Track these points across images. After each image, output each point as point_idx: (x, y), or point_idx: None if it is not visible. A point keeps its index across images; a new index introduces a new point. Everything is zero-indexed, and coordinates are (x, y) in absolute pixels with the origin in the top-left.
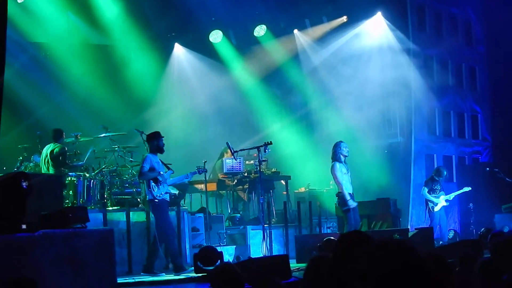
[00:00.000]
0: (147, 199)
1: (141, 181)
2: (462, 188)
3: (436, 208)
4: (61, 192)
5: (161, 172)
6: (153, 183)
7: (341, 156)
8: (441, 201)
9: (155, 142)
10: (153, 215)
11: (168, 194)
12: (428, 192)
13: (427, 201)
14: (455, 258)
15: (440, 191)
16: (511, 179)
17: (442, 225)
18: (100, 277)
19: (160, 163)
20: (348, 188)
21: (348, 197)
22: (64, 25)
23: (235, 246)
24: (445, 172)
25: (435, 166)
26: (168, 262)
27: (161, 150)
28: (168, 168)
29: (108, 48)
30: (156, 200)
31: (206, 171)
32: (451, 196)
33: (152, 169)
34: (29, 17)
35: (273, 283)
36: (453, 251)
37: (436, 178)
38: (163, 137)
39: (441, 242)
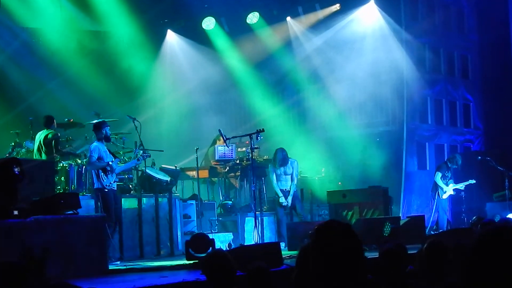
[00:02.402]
0: (94, 187)
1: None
2: (467, 180)
3: (444, 196)
4: (53, 178)
5: (110, 162)
6: (102, 173)
7: (278, 162)
8: (449, 190)
9: (102, 131)
10: (94, 203)
11: (116, 183)
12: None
13: (436, 187)
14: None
15: (449, 179)
16: (502, 168)
17: (446, 213)
18: (91, 263)
19: (108, 152)
20: (279, 185)
21: (278, 194)
22: (57, 11)
23: (226, 233)
24: (460, 161)
25: (427, 154)
26: (160, 249)
27: (108, 139)
28: (115, 157)
29: (101, 34)
30: (106, 190)
31: (149, 156)
32: (462, 185)
33: (100, 158)
34: (22, 3)
35: (262, 271)
36: (444, 240)
37: (450, 165)
38: (109, 126)
39: (440, 230)
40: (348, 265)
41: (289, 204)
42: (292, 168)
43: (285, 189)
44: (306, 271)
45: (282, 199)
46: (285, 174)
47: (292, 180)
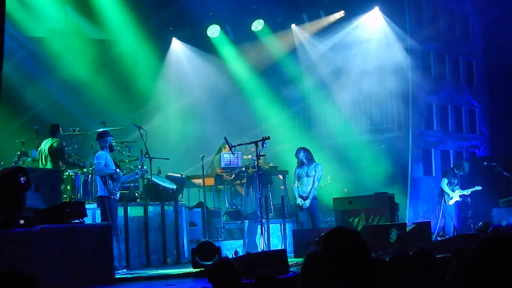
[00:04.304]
0: (99, 194)
1: (98, 177)
2: (473, 185)
3: (451, 202)
4: (59, 187)
5: (117, 170)
6: (109, 180)
7: (298, 161)
8: (456, 196)
9: (106, 139)
10: (100, 211)
11: (119, 192)
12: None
13: (442, 193)
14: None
15: (456, 185)
16: (508, 173)
17: (452, 219)
18: (97, 272)
19: (112, 161)
20: (300, 190)
21: (295, 196)
22: (62, 20)
23: (233, 241)
24: (467, 168)
25: (433, 160)
26: (166, 257)
27: (112, 149)
28: (118, 167)
29: (106, 43)
30: (112, 197)
31: (146, 172)
32: (467, 192)
33: (106, 165)
34: (27, 12)
35: (270, 278)
36: (450, 245)
37: (456, 172)
38: (112, 136)
39: (447, 236)
40: (356, 269)
41: (306, 206)
42: (315, 172)
43: (305, 196)
44: (312, 278)
45: (298, 200)
46: (307, 176)
47: (313, 183)
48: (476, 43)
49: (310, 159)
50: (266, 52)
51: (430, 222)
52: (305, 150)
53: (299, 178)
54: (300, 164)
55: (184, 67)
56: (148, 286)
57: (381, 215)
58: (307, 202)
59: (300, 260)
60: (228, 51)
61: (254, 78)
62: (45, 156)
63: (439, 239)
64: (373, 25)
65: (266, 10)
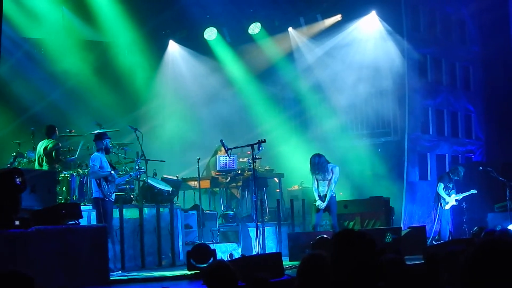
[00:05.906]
0: (94, 196)
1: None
2: (468, 190)
3: (447, 206)
4: (55, 188)
5: (112, 172)
6: (104, 182)
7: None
8: (452, 200)
9: (103, 141)
10: (95, 212)
11: (114, 194)
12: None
13: (439, 197)
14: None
15: (451, 190)
16: (504, 178)
17: (448, 223)
18: (93, 274)
19: (107, 162)
20: (319, 190)
21: (315, 198)
22: (59, 21)
23: (228, 244)
24: (462, 173)
25: (428, 165)
26: (162, 259)
27: (108, 151)
28: (114, 168)
29: (103, 45)
30: (106, 199)
31: (143, 172)
32: (460, 196)
33: (101, 167)
34: (24, 13)
35: (264, 281)
36: (444, 250)
37: (452, 176)
38: (110, 138)
39: (442, 240)
40: (365, 270)
41: (323, 207)
42: (332, 174)
43: (322, 195)
44: (307, 281)
45: (318, 202)
46: (323, 179)
47: (329, 185)
48: (473, 48)
49: (324, 163)
50: (263, 55)
51: (425, 226)
52: (318, 156)
53: (317, 180)
54: (313, 171)
55: (181, 69)
56: None
57: (376, 219)
58: (324, 204)
59: (295, 263)
60: (225, 53)
61: (251, 81)
62: (41, 157)
63: (435, 243)
64: (369, 29)
65: (264, 13)
